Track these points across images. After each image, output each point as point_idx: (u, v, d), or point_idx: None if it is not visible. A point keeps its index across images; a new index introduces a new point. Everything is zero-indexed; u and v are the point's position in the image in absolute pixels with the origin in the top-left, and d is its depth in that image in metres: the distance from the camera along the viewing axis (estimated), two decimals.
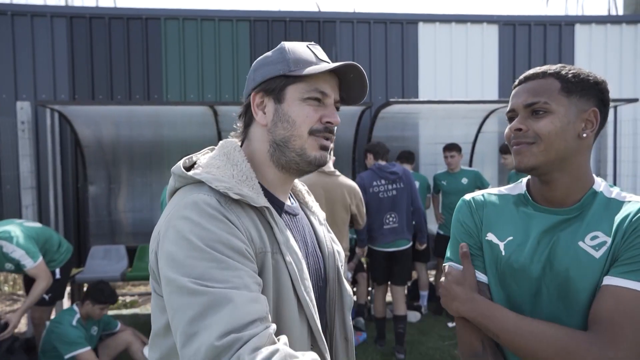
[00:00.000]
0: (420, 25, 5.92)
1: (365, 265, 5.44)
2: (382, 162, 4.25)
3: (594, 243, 1.04)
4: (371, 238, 4.24)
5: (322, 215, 1.25)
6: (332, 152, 3.56)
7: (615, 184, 5.64)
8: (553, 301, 1.07)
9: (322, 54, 1.07)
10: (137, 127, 5.39)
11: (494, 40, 6.05)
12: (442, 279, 1.22)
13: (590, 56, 6.10)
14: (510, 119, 1.14)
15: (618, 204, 1.08)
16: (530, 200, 1.16)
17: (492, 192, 1.25)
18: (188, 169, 1.03)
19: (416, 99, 5.68)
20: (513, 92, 1.15)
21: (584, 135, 1.07)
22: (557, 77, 1.09)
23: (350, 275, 5.02)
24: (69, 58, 5.43)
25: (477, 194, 1.26)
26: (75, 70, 5.46)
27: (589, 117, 1.08)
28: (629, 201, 1.08)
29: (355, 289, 5.33)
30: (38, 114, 5.25)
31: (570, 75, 1.08)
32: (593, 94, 1.09)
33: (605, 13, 7.57)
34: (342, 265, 1.21)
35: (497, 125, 5.96)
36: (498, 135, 6.10)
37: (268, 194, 1.05)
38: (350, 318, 1.19)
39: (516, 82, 1.15)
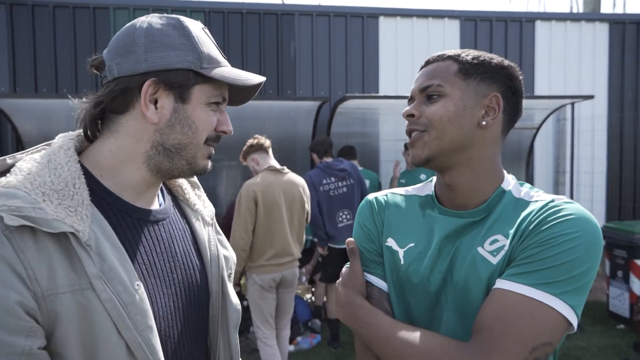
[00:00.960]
0: (381, 19, 5.81)
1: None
2: (329, 159, 4.16)
3: (493, 248, 0.91)
4: (327, 237, 4.17)
5: (208, 212, 1.07)
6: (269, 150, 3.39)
7: (572, 181, 5.66)
8: (451, 315, 0.94)
9: (217, 46, 0.95)
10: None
11: (456, 36, 5.98)
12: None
13: (551, 53, 6.10)
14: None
15: (524, 203, 0.95)
16: (437, 202, 1.03)
17: (398, 192, 1.12)
18: (3, 173, 0.82)
19: (375, 94, 5.57)
20: (415, 77, 1.03)
21: (484, 123, 0.94)
22: (455, 59, 0.98)
23: (305, 278, 4.88)
24: (9, 48, 5.12)
25: (381, 194, 1.13)
26: (17, 61, 5.15)
27: (489, 103, 0.95)
28: (536, 200, 0.94)
29: (313, 290, 5.20)
30: None
31: (469, 58, 0.97)
32: (497, 78, 0.97)
33: (567, 10, 7.61)
34: (230, 274, 1.04)
35: None
36: None
37: (115, 201, 0.87)
38: (237, 336, 1.03)
39: (419, 68, 1.04)
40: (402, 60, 5.87)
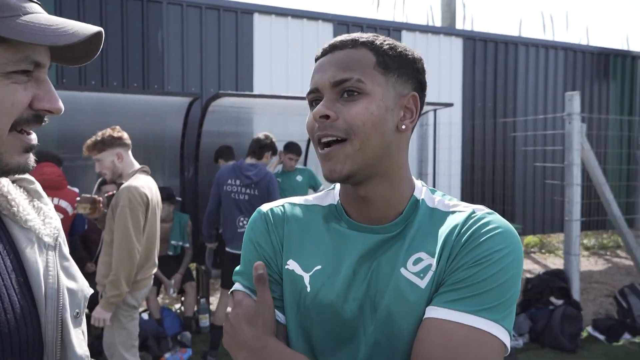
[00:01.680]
0: (256, 16, 5.65)
1: (194, 273, 5.01)
2: (250, 160, 4.00)
3: (418, 268, 0.80)
4: (226, 239, 3.98)
5: (50, 231, 0.80)
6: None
7: (434, 183, 6.09)
8: (370, 349, 0.81)
9: None
10: None
11: (329, 39, 6.03)
12: (229, 309, 0.89)
13: None
14: (312, 104, 0.84)
15: (442, 215, 0.85)
16: (345, 214, 0.88)
17: (296, 201, 0.95)
18: None
19: (250, 93, 5.39)
20: (316, 65, 0.85)
21: (403, 127, 0.83)
22: (371, 48, 0.82)
23: (172, 290, 4.52)
24: None
25: (277, 204, 0.95)
26: None
27: (408, 103, 0.84)
28: (453, 212, 0.85)
29: (183, 299, 4.86)
30: None
31: (386, 47, 0.83)
32: (411, 74, 0.85)
33: (424, 23, 8.23)
34: (78, 314, 0.80)
35: None
36: None
37: None
38: None
39: (319, 53, 0.86)
40: (277, 59, 5.77)
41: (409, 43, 6.45)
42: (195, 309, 4.69)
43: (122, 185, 2.70)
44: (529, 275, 5.67)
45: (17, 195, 0.78)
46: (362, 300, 0.82)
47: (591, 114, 7.30)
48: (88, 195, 2.77)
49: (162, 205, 4.45)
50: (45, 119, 0.69)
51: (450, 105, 5.52)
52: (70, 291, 0.78)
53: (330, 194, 0.94)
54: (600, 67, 7.64)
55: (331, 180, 0.81)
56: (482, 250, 0.77)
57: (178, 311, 4.95)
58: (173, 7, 5.27)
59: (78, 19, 4.85)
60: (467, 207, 0.85)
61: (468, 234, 0.79)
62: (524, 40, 7.24)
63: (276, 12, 5.74)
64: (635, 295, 4.81)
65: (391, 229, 0.84)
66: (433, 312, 0.76)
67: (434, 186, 6.03)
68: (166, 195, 4.51)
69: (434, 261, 0.80)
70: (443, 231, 0.82)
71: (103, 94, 4.49)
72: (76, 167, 4.69)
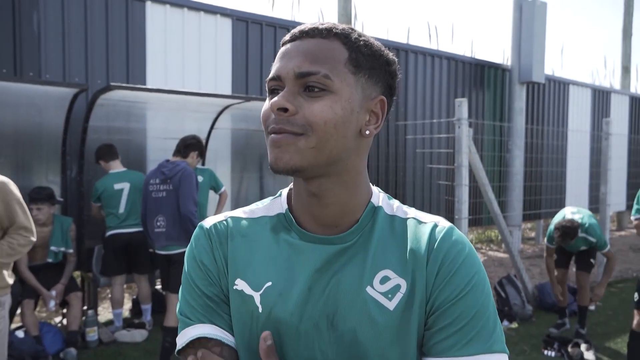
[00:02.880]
0: (148, 4, 5.26)
1: (80, 282, 4.54)
2: (173, 159, 3.89)
3: (386, 288, 0.75)
4: (150, 241, 3.89)
5: None
6: None
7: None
8: None
9: None
10: None
11: (228, 35, 5.86)
12: None
13: None
14: (272, 92, 0.75)
15: (401, 222, 0.80)
16: (295, 223, 0.80)
17: (241, 214, 0.86)
18: None
19: (145, 87, 5.01)
20: (282, 50, 0.76)
21: (367, 132, 0.77)
22: (344, 41, 0.75)
23: (53, 303, 4.04)
24: None
25: (220, 219, 0.86)
26: None
27: (374, 107, 0.77)
28: (413, 219, 0.80)
29: (65, 312, 4.37)
30: None
31: (361, 44, 0.76)
32: (382, 76, 0.78)
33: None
34: None
35: (230, 122, 5.80)
36: (231, 132, 5.95)
37: None
38: None
39: (287, 37, 0.77)
40: (172, 52, 5.44)
41: None
42: (82, 321, 4.24)
43: None
44: None
45: None
46: (317, 320, 0.75)
47: (471, 119, 7.96)
48: None
49: (42, 206, 3.96)
50: None
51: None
52: None
53: (277, 202, 0.85)
54: (477, 76, 8.38)
55: (275, 169, 0.72)
56: (461, 280, 0.75)
57: (59, 325, 4.44)
58: None
59: None
60: (426, 217, 0.82)
61: (440, 259, 0.76)
62: (413, 47, 7.67)
63: (171, 3, 5.41)
64: (512, 286, 5.33)
65: (347, 239, 0.78)
66: None
67: None
68: (45, 195, 4.02)
69: (404, 283, 0.75)
70: (408, 245, 0.78)
71: None
72: None
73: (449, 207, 5.24)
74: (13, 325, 4.07)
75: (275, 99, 0.71)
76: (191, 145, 3.98)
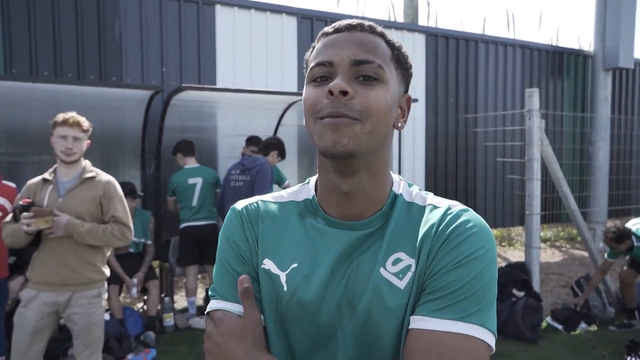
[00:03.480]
0: (218, 7, 5.51)
1: (158, 271, 4.87)
2: (246, 150, 4.64)
3: (397, 269, 0.78)
4: None
5: None
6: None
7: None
8: (349, 351, 0.79)
9: None
10: None
11: (293, 33, 5.99)
12: (209, 327, 0.82)
13: None
14: (316, 80, 0.77)
15: (419, 209, 0.83)
16: (321, 209, 0.84)
17: (270, 198, 0.91)
18: None
19: (213, 86, 5.26)
20: (328, 39, 0.78)
21: (399, 124, 0.83)
22: (386, 40, 0.80)
23: (135, 289, 4.37)
24: None
25: (251, 202, 0.91)
26: None
27: (403, 104, 0.84)
28: (430, 205, 0.83)
29: (145, 298, 4.71)
30: None
31: (397, 45, 0.82)
32: (406, 76, 0.85)
33: (385, 19, 8.26)
34: None
35: (296, 119, 5.93)
36: (297, 129, 6.08)
37: None
38: None
39: (329, 29, 0.79)
40: (241, 52, 5.66)
41: None
42: (159, 307, 4.56)
43: (103, 178, 2.70)
44: None
45: None
46: (339, 300, 0.79)
47: (547, 110, 7.54)
48: (43, 207, 2.50)
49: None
50: None
51: (414, 100, 5.56)
52: None
53: (305, 188, 0.90)
54: (555, 65, 7.90)
55: (334, 153, 0.74)
56: (461, 252, 0.76)
57: (141, 310, 4.79)
58: None
59: (28, 12, 4.59)
60: (442, 202, 0.84)
61: (446, 233, 0.78)
62: (484, 37, 7.39)
63: (239, 5, 5.62)
64: None
65: (370, 225, 0.81)
66: (419, 322, 0.74)
67: None
68: (128, 189, 4.36)
69: (414, 262, 0.78)
70: (421, 229, 0.80)
71: (56, 86, 4.26)
72: (26, 162, 4.46)
73: (521, 203, 5.02)
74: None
75: (335, 81, 0.73)
76: (272, 145, 4.54)
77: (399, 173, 6.07)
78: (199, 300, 5.24)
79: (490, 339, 0.74)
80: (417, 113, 6.64)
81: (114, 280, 4.35)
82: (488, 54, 7.30)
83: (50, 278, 2.56)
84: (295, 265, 0.82)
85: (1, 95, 4.25)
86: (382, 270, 0.78)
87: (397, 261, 0.79)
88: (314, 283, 0.80)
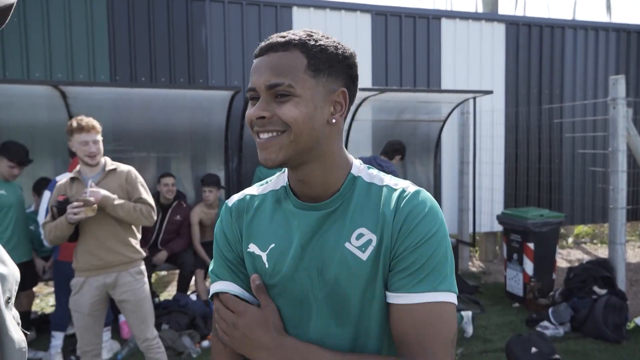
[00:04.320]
0: (295, 9, 5.78)
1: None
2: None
3: (360, 243, 0.93)
4: None
5: None
6: None
7: (475, 171, 6.04)
8: (323, 313, 0.96)
9: None
10: None
11: (367, 29, 6.11)
12: (228, 317, 0.96)
13: (455, 49, 6.43)
14: (252, 100, 0.93)
15: (377, 189, 0.97)
16: (291, 194, 1.00)
17: (255, 191, 1.08)
18: None
19: None
20: (254, 64, 0.94)
21: (334, 120, 0.93)
22: (302, 50, 0.90)
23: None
24: None
25: (240, 196, 1.09)
26: None
27: (337, 98, 0.93)
28: (387, 185, 0.97)
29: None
30: None
31: (318, 50, 0.90)
32: (342, 70, 0.93)
33: (471, 9, 8.07)
34: (9, 299, 0.73)
35: (370, 114, 6.06)
36: (372, 124, 6.20)
37: None
38: None
39: (256, 51, 0.94)
40: None
41: (449, 30, 6.39)
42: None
43: (123, 168, 2.97)
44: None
45: None
46: (309, 270, 0.95)
47: (637, 98, 6.97)
48: (88, 199, 2.70)
49: (212, 189, 4.76)
50: None
51: (489, 92, 5.45)
52: (1, 276, 0.73)
53: (282, 177, 1.06)
54: None
55: (266, 166, 0.93)
56: (420, 232, 0.91)
57: None
58: (215, 4, 5.49)
59: (128, 17, 5.16)
60: (398, 184, 0.98)
61: (403, 216, 0.93)
62: (571, 23, 6.99)
63: (314, 5, 5.85)
64: None
65: (330, 205, 0.96)
66: (399, 298, 0.90)
67: (475, 174, 5.99)
68: (215, 180, 4.79)
69: (375, 237, 0.93)
70: (379, 207, 0.95)
71: (152, 90, 4.78)
72: (127, 158, 5.02)
73: (604, 196, 4.76)
74: (189, 291, 4.93)
75: (254, 110, 0.91)
76: (397, 150, 4.98)
77: (474, 166, 5.98)
78: None
79: (455, 299, 0.92)
80: (496, 105, 6.47)
81: (200, 264, 4.79)
82: (576, 40, 6.90)
83: (96, 263, 2.80)
84: (273, 245, 0.98)
85: (108, 100, 4.84)
86: (347, 244, 0.93)
87: (360, 236, 0.93)
88: (288, 258, 0.96)
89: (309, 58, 0.90)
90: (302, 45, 0.90)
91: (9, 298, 0.73)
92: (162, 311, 4.34)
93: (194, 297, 4.59)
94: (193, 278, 4.94)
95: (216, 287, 1.03)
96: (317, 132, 0.92)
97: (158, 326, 4.19)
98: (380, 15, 6.13)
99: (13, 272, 0.75)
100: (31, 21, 4.93)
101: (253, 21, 5.63)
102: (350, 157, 1.02)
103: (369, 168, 1.03)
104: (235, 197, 1.09)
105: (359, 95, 5.38)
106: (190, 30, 5.42)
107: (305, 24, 5.82)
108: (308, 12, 5.84)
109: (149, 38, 5.29)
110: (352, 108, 5.76)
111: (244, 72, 5.60)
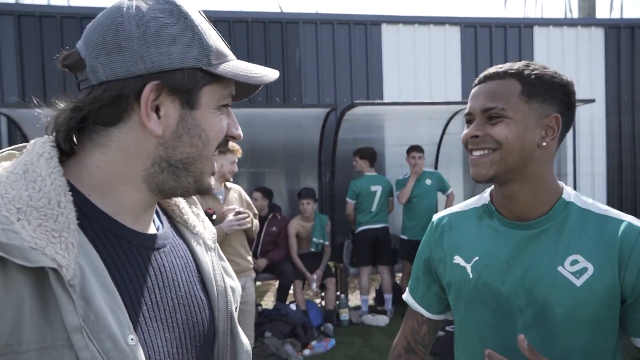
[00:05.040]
0: (384, 26, 5.91)
1: (333, 270, 5.38)
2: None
3: (574, 269, 0.97)
4: None
5: (210, 235, 0.88)
6: None
7: (575, 183, 5.77)
8: (529, 327, 1.00)
9: (219, 33, 0.79)
10: None
11: (456, 42, 6.09)
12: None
13: (549, 57, 6.22)
14: (469, 122, 1.04)
15: (597, 218, 1.00)
16: (496, 212, 1.07)
17: (456, 209, 1.20)
18: None
19: (381, 101, 5.65)
20: (472, 92, 1.04)
21: (544, 144, 0.98)
22: (518, 78, 0.99)
23: (315, 285, 4.94)
24: (17, 58, 5.13)
25: (443, 214, 1.22)
26: (25, 71, 5.17)
27: (550, 123, 0.99)
28: (608, 217, 1.00)
29: (323, 294, 5.26)
30: None
31: (532, 77, 0.98)
32: (557, 97, 0.99)
33: (562, 15, 7.77)
34: (236, 308, 0.87)
35: (461, 127, 6.00)
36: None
37: (111, 224, 0.70)
38: None
39: (475, 81, 1.05)
40: (405, 66, 5.97)
41: (542, 38, 6.21)
42: (336, 303, 5.06)
43: (233, 185, 3.37)
44: None
45: (184, 205, 0.86)
46: (516, 286, 1.01)
47: None
48: (244, 210, 3.20)
49: (309, 201, 4.97)
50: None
51: (591, 101, 5.22)
52: (232, 288, 0.85)
53: (484, 195, 1.14)
54: None
55: (476, 181, 1.02)
56: None
57: (320, 304, 5.36)
58: (308, 25, 5.75)
59: (230, 44, 5.54)
60: (620, 215, 1.00)
61: (635, 253, 0.95)
62: None
63: (403, 21, 5.94)
64: None
65: (537, 225, 1.01)
66: None
67: (574, 186, 5.73)
68: (310, 193, 4.98)
69: (591, 267, 0.96)
70: (599, 237, 0.97)
71: (250, 109, 5.08)
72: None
73: None
74: (287, 301, 5.13)
75: (469, 129, 1.02)
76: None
77: (574, 178, 5.72)
78: (370, 300, 5.63)
79: None
80: (596, 114, 6.16)
81: (298, 275, 4.98)
82: None
83: (234, 268, 3.22)
84: (477, 258, 1.07)
85: None
86: (560, 268, 0.98)
87: (574, 262, 0.97)
88: (494, 271, 1.03)
89: (523, 84, 0.98)
90: (518, 74, 0.99)
91: (236, 308, 0.86)
92: (264, 319, 4.55)
93: (293, 306, 4.77)
94: (292, 288, 5.13)
95: (410, 302, 1.23)
96: (526, 152, 0.98)
97: (261, 333, 4.40)
98: (469, 27, 6.09)
99: (237, 285, 0.89)
100: None
101: (344, 39, 5.82)
102: (561, 183, 1.07)
103: (581, 195, 1.06)
104: (437, 215, 1.22)
105: (449, 108, 5.38)
106: (285, 51, 5.71)
107: (394, 40, 5.93)
108: (397, 29, 5.94)
109: (246, 60, 5.62)
110: (443, 122, 5.78)
111: (335, 89, 5.79)
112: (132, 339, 0.62)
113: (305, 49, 5.75)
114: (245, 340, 0.85)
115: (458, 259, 1.10)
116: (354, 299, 5.76)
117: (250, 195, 5.13)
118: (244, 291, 3.11)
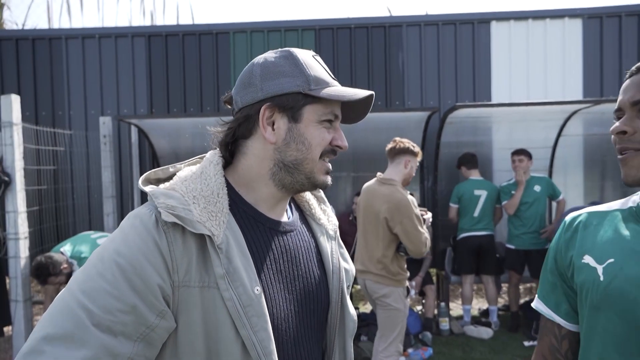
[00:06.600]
0: (493, 24, 5.61)
1: (434, 278, 5.24)
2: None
3: None
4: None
5: (332, 227, 1.14)
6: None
7: None
8: None
9: (327, 69, 1.02)
10: (209, 138, 5.60)
11: (578, 36, 5.57)
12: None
13: None
14: (616, 118, 0.94)
15: None
16: None
17: (598, 209, 1.07)
18: (167, 179, 0.99)
19: (486, 102, 5.37)
20: (623, 85, 0.94)
21: None
22: None
23: (414, 292, 4.83)
24: (147, 75, 5.79)
25: (579, 213, 1.08)
26: (153, 86, 5.80)
27: None
28: None
29: (423, 302, 5.13)
30: (121, 128, 5.64)
31: None
32: None
33: None
34: (348, 286, 1.12)
35: (581, 128, 5.47)
36: (583, 139, 5.59)
37: (252, 211, 0.98)
38: (352, 344, 1.11)
39: (627, 74, 0.95)
40: (517, 65, 5.60)
41: None
42: (436, 311, 4.91)
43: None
44: None
45: (313, 202, 1.14)
46: None
47: None
48: None
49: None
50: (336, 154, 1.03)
51: None
52: (345, 270, 1.11)
53: (632, 198, 1.02)
54: None
55: (627, 183, 0.91)
56: None
57: (419, 312, 5.25)
58: (412, 28, 5.67)
59: (332, 52, 5.67)
60: None
61: None
62: None
63: (515, 17, 5.59)
64: None
65: None
66: None
67: None
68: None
69: None
70: None
71: None
72: (332, 178, 5.47)
73: None
74: None
75: (615, 125, 0.91)
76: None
77: None
78: (474, 310, 5.37)
79: None
80: None
81: None
82: None
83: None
84: (612, 260, 0.94)
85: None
86: None
87: None
88: (631, 277, 0.90)
89: None
90: None
91: (348, 286, 1.12)
92: (361, 323, 4.58)
93: None
94: None
95: (541, 308, 1.11)
96: None
97: (357, 337, 4.43)
98: (593, 18, 5.53)
99: (352, 268, 1.15)
100: None
101: (449, 40, 5.64)
102: None
103: None
104: (572, 214, 1.10)
105: (564, 108, 4.93)
106: (388, 55, 5.69)
107: (505, 37, 5.60)
108: (508, 25, 5.61)
109: (349, 66, 5.72)
110: (559, 122, 5.32)
111: (439, 92, 5.63)
112: (257, 290, 0.89)
113: (409, 52, 5.67)
114: (353, 312, 1.09)
115: (588, 259, 0.98)
116: (457, 309, 5.53)
117: (352, 200, 5.20)
118: (388, 298, 3.25)
